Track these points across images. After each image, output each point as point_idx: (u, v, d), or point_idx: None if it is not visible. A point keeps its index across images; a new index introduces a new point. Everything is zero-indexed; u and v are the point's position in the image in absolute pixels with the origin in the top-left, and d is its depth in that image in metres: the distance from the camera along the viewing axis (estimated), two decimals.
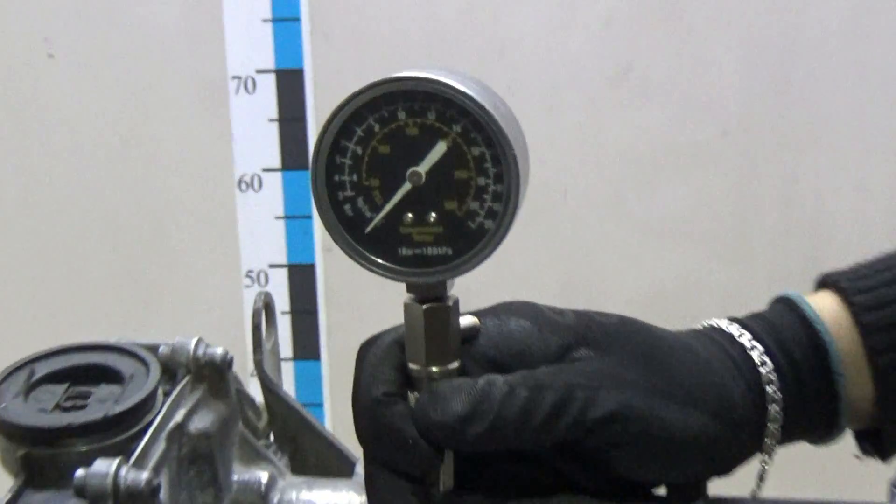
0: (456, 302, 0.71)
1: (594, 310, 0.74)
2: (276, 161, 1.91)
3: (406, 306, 0.71)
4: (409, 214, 0.69)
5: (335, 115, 0.67)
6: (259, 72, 1.87)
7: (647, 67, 1.78)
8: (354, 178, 0.68)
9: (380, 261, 0.70)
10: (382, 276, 0.69)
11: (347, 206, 0.69)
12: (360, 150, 0.68)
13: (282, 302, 1.92)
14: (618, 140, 1.82)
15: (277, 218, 1.93)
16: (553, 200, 1.85)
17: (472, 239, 0.68)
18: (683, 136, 1.80)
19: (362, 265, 0.69)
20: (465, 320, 0.72)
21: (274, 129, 1.89)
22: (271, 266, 1.93)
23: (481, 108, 0.65)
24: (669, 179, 1.84)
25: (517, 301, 0.74)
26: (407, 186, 0.68)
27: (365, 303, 1.85)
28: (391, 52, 1.79)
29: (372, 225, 0.69)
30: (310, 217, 1.91)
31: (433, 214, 0.68)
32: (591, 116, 1.80)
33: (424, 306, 0.70)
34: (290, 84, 1.84)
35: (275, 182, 1.93)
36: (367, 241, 0.69)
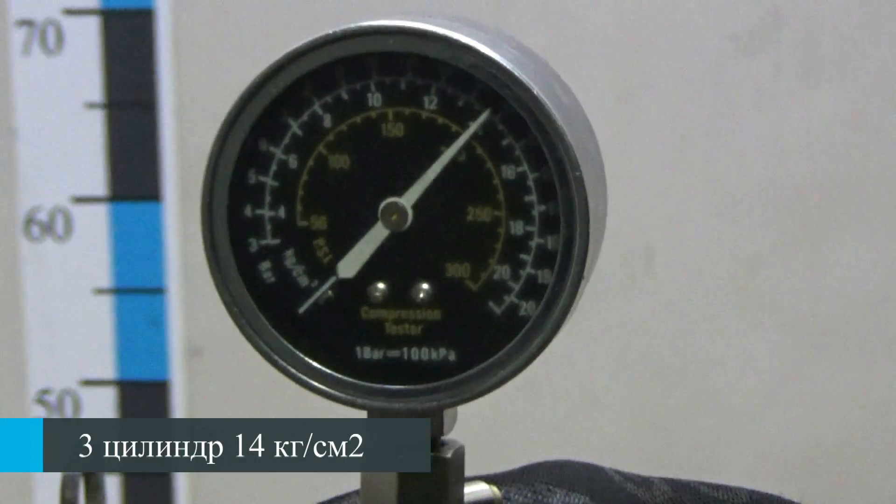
0: (458, 454, 0.53)
1: (703, 479, 0.61)
2: (97, 184, 1.21)
3: None
4: (380, 285, 0.50)
5: (250, 94, 0.49)
6: (70, 13, 1.14)
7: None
8: (281, 213, 0.51)
9: (322, 367, 0.50)
10: (324, 395, 0.50)
11: (265, 267, 0.51)
12: (293, 162, 0.50)
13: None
14: (744, 168, 1.20)
15: (99, 291, 1.21)
16: (630, 269, 1.22)
17: (496, 335, 0.50)
18: (868, 160, 1.15)
19: (288, 374, 0.50)
20: (476, 491, 0.57)
21: (96, 119, 1.20)
22: (86, 383, 1.22)
23: (526, 90, 0.47)
24: (835, 236, 1.18)
25: (567, 461, 0.62)
26: (379, 233, 0.50)
27: None
28: None
29: (310, 302, 0.51)
30: (161, 292, 1.22)
31: (424, 287, 0.50)
32: (696, 122, 1.17)
33: None
34: (127, 35, 1.20)
35: (95, 223, 1.21)
36: (298, 332, 0.51)
